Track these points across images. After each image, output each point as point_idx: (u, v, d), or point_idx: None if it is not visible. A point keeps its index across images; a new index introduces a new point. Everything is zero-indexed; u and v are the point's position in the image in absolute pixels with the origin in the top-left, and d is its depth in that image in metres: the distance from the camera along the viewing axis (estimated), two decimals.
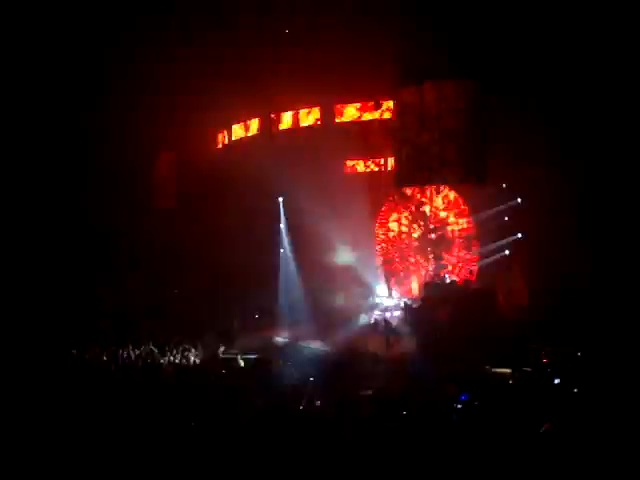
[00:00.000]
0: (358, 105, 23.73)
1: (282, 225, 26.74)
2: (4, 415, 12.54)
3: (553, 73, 17.85)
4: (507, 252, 23.06)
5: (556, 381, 12.34)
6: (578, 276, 19.32)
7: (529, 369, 16.81)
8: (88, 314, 23.02)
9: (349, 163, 26.62)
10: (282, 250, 26.27)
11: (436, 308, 22.40)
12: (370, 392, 17.13)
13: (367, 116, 23.64)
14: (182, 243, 25.14)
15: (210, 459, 11.33)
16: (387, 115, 23.16)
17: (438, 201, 24.81)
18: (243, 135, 27.03)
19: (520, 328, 20.47)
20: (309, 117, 24.67)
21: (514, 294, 22.06)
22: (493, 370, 18.24)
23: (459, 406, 13.63)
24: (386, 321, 23.34)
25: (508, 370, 17.95)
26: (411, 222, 25.44)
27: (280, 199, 26.53)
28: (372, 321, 24.13)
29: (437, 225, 24.76)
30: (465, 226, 24.46)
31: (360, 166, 26.57)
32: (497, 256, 23.39)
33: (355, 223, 26.00)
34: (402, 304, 24.06)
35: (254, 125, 26.28)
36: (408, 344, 22.14)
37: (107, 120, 21.04)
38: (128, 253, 25.93)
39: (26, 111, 20.95)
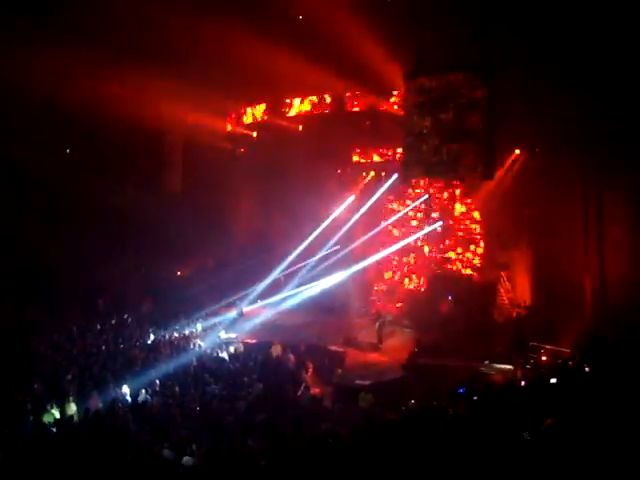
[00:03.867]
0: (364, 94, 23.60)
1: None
2: None
3: (567, 71, 17.70)
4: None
5: (552, 380, 12.29)
6: (580, 278, 19.35)
7: (529, 367, 16.84)
8: (89, 294, 23.07)
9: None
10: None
11: (438, 301, 22.41)
12: (367, 382, 17.26)
13: (377, 106, 23.49)
14: (186, 226, 25.09)
15: (211, 440, 11.44)
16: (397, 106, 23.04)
17: (444, 194, 24.69)
18: (252, 120, 26.94)
19: (521, 325, 20.48)
20: (318, 104, 24.55)
21: (517, 292, 22.04)
22: (492, 365, 18.28)
23: (457, 399, 13.70)
24: (379, 312, 23.26)
25: (507, 366, 18.00)
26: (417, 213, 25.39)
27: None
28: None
29: (442, 217, 24.65)
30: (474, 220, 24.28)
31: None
32: None
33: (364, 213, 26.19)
34: None
35: (260, 111, 26.19)
36: (406, 336, 22.22)
37: (116, 103, 20.98)
38: (130, 234, 25.87)
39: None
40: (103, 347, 18.02)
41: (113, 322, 20.88)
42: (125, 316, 21.60)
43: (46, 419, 12.52)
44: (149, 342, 19.50)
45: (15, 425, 11.75)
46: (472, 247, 23.99)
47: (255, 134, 27.47)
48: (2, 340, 17.36)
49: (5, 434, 11.25)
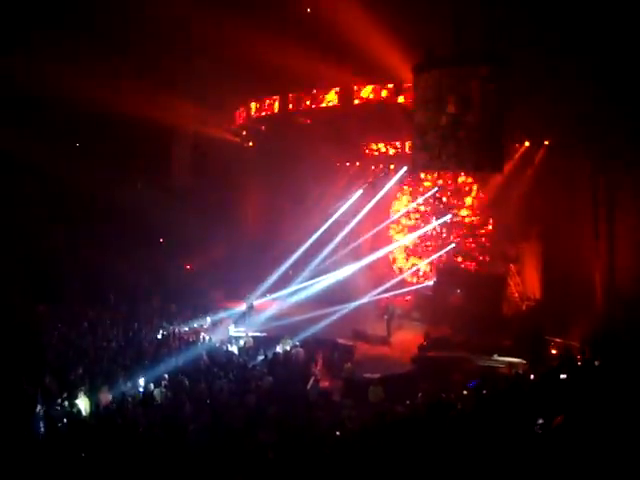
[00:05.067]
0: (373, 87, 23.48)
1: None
2: None
3: (572, 60, 17.53)
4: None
5: (562, 376, 12.25)
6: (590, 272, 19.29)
7: (538, 360, 16.78)
8: (99, 289, 23.18)
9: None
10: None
11: (447, 294, 22.35)
12: (376, 376, 17.24)
13: (386, 99, 23.37)
14: (196, 220, 25.17)
15: (218, 436, 11.47)
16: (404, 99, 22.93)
17: (454, 187, 24.67)
18: (261, 114, 26.84)
19: (530, 319, 20.42)
20: (329, 98, 24.43)
21: (527, 285, 21.99)
22: (502, 359, 18.23)
23: (465, 393, 13.68)
24: (388, 305, 23.14)
25: (516, 360, 17.96)
26: (426, 206, 25.39)
27: None
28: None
29: (452, 210, 24.62)
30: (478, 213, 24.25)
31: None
32: None
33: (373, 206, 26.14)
34: None
35: (269, 105, 26.09)
36: (415, 329, 22.17)
37: (126, 99, 21.00)
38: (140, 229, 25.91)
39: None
40: (113, 341, 18.12)
41: (123, 316, 20.99)
42: (135, 310, 21.71)
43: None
44: (159, 336, 19.58)
45: (25, 418, 11.84)
46: (483, 239, 23.97)
47: (264, 128, 27.37)
48: (13, 334, 17.48)
49: (15, 427, 11.34)
